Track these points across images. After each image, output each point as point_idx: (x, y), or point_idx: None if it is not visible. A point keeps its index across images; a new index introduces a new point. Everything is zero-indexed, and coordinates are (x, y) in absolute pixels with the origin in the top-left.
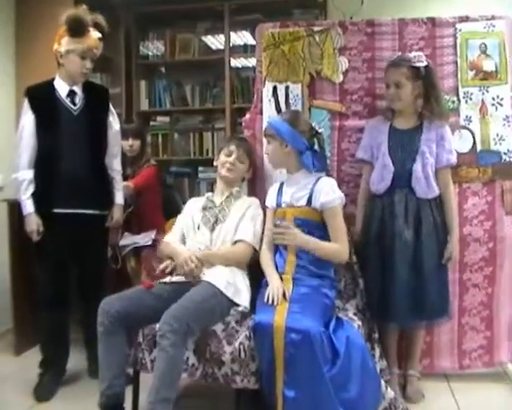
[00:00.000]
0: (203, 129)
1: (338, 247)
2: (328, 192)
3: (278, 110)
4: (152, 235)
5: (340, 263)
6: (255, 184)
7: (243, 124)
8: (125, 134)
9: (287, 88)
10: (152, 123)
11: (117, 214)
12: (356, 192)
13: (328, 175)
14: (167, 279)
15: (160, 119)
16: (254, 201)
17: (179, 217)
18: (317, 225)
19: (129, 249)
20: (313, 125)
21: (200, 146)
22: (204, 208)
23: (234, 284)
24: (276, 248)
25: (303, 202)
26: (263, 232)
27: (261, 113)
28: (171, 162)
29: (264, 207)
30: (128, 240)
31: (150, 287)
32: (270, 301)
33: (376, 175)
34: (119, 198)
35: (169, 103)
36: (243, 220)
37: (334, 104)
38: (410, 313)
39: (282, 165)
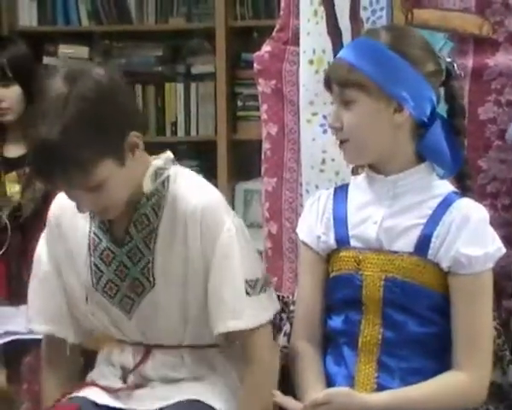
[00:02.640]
0: (166, 76)
1: (464, 381)
2: (479, 237)
3: (334, 34)
4: None
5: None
6: (279, 198)
7: (255, 65)
8: None
9: None
10: (48, 59)
11: None
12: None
13: (467, 178)
14: (99, 396)
15: (66, 50)
16: (208, 202)
17: (39, 271)
18: (434, 301)
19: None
20: (443, 58)
21: (161, 112)
22: (94, 247)
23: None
24: (328, 341)
25: (408, 243)
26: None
27: (296, 41)
28: None
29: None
30: None
31: None
32: None
33: None
34: None
35: (87, 16)
36: (214, 272)
37: (465, 18)
38: None
39: (381, 156)
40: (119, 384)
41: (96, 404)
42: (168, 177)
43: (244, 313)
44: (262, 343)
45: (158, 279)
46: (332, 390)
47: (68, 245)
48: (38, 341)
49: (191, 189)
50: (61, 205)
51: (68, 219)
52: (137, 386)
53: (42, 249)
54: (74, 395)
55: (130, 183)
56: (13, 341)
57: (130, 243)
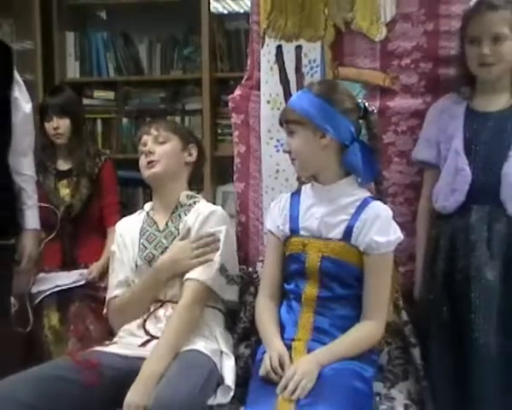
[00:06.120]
0: (167, 111)
1: (372, 329)
2: (384, 229)
3: (285, 83)
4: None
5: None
6: (246, 197)
7: (230, 104)
8: (45, 111)
9: (298, 49)
10: (86, 100)
11: (29, 246)
12: (406, 211)
13: (379, 183)
14: (116, 348)
15: (98, 94)
16: (216, 211)
17: (113, 249)
18: (355, 273)
19: (47, 295)
20: (360, 100)
21: None
22: (143, 234)
23: (217, 351)
24: (283, 297)
25: (338, 232)
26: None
27: (258, 87)
28: (116, 163)
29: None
30: (46, 282)
31: (92, 383)
32: (270, 373)
33: (444, 185)
34: (32, 220)
35: (113, 70)
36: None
37: (374, 74)
38: (502, 403)
39: (318, 168)
40: (140, 333)
41: (118, 355)
42: (199, 200)
43: (207, 273)
44: (199, 296)
45: None
46: (295, 363)
47: (125, 241)
48: (81, 293)
49: (209, 205)
50: (122, 223)
51: (127, 227)
52: (148, 341)
53: (114, 247)
54: (97, 348)
55: (173, 167)
56: (63, 292)
57: (167, 230)
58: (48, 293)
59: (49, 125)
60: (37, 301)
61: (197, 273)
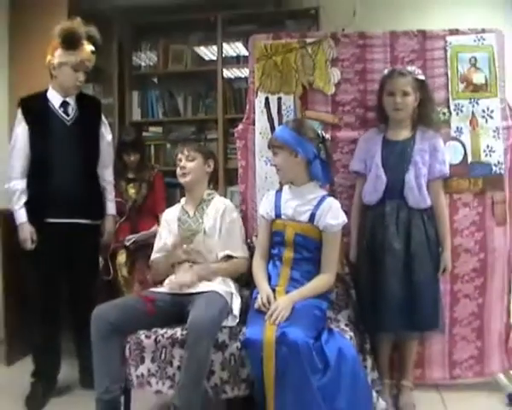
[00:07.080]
0: (196, 139)
1: (327, 279)
2: (335, 215)
3: (270, 121)
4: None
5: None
6: (246, 194)
7: (235, 134)
8: (124, 147)
9: (279, 99)
10: (144, 133)
11: (109, 225)
12: (348, 203)
13: (332, 185)
14: (163, 289)
15: (152, 129)
16: (227, 204)
17: (160, 230)
18: (316, 244)
19: (135, 240)
20: (319, 131)
21: None
22: (179, 219)
23: (230, 292)
24: (270, 258)
25: (305, 217)
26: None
27: (253, 123)
28: (163, 172)
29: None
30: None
31: (151, 312)
32: (261, 307)
33: (369, 186)
34: (111, 209)
35: (161, 114)
36: (223, 232)
37: (327, 115)
38: (401, 322)
39: (293, 176)
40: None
41: (165, 293)
42: (215, 196)
43: (237, 250)
44: (242, 263)
45: (201, 230)
46: (277, 301)
47: (168, 223)
48: (142, 254)
49: (222, 199)
50: (166, 212)
51: (169, 215)
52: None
53: (160, 228)
54: (151, 289)
55: (198, 176)
56: (130, 254)
57: (194, 217)
58: (136, 239)
59: (127, 157)
60: (130, 243)
61: (237, 252)
